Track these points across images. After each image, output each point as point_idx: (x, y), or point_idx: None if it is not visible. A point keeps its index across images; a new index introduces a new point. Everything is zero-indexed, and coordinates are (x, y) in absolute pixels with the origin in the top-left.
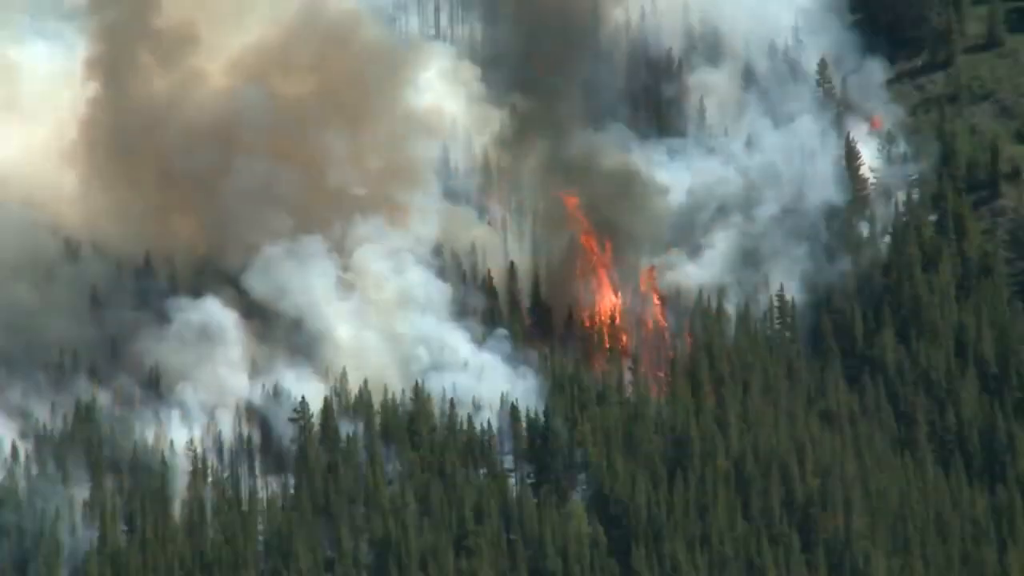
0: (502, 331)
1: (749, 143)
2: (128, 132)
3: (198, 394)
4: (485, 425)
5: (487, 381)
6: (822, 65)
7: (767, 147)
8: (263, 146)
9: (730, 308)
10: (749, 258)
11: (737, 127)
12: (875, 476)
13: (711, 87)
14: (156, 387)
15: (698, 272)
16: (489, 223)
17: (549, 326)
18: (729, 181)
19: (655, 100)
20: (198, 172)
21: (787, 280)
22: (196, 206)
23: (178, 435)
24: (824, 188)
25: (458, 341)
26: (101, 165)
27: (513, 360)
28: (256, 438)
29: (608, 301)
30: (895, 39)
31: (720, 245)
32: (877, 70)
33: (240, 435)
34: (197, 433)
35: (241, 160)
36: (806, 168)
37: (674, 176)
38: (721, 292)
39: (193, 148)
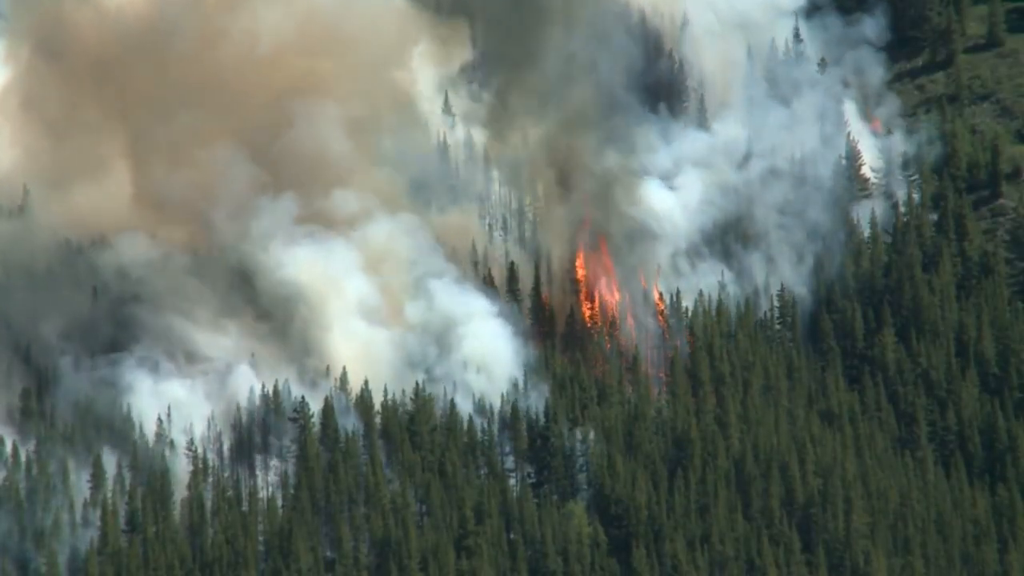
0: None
1: (749, 147)
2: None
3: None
4: (485, 425)
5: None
6: (822, 65)
7: (767, 146)
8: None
9: (730, 307)
10: (749, 251)
11: (736, 125)
12: (875, 476)
13: (710, 86)
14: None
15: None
16: (490, 224)
17: (550, 326)
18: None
19: (654, 83)
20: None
21: (788, 280)
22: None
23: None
24: (825, 187)
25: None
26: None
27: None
28: (256, 437)
29: (609, 301)
30: (895, 39)
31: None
32: (877, 70)
33: (241, 434)
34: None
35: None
36: (807, 167)
37: (669, 158)
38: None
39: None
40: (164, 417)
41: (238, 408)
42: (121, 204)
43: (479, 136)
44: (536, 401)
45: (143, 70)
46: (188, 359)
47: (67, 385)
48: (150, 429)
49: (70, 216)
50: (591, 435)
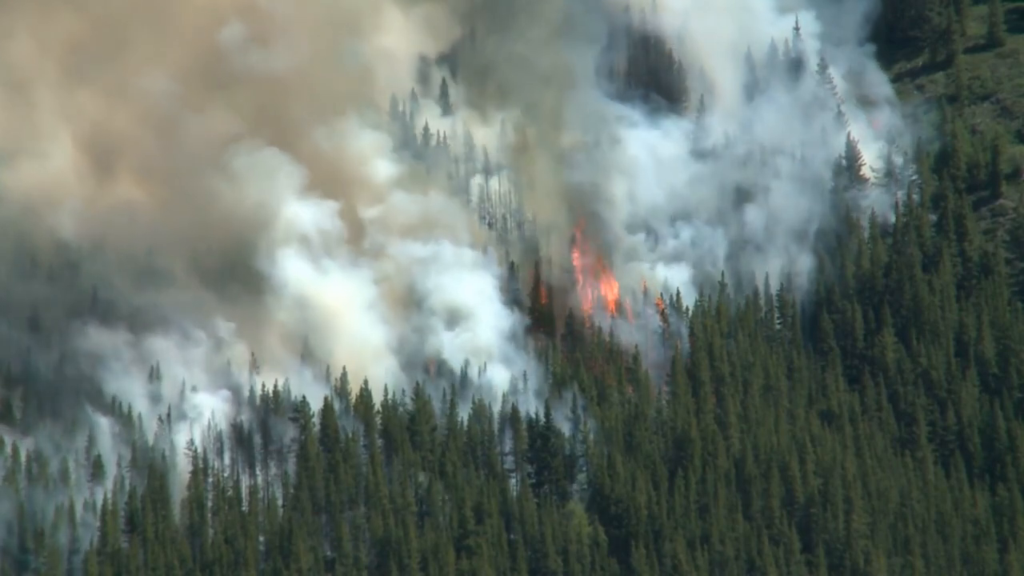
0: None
1: (747, 146)
2: None
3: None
4: (485, 426)
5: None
6: (822, 65)
7: (765, 145)
8: None
9: (730, 307)
10: (746, 252)
11: (735, 123)
12: (875, 476)
13: (708, 84)
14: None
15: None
16: (490, 224)
17: (550, 326)
18: (724, 174)
19: (652, 81)
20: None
21: (787, 280)
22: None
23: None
24: (825, 187)
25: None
26: None
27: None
28: (256, 438)
29: (609, 301)
30: (895, 39)
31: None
32: (877, 70)
33: (240, 434)
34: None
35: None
36: (807, 167)
37: (665, 152)
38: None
39: None
40: (164, 417)
41: (238, 408)
42: (66, 161)
43: (464, 126)
44: (536, 401)
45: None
46: (182, 344)
47: (57, 378)
48: (150, 428)
49: (24, 184)
50: (591, 435)
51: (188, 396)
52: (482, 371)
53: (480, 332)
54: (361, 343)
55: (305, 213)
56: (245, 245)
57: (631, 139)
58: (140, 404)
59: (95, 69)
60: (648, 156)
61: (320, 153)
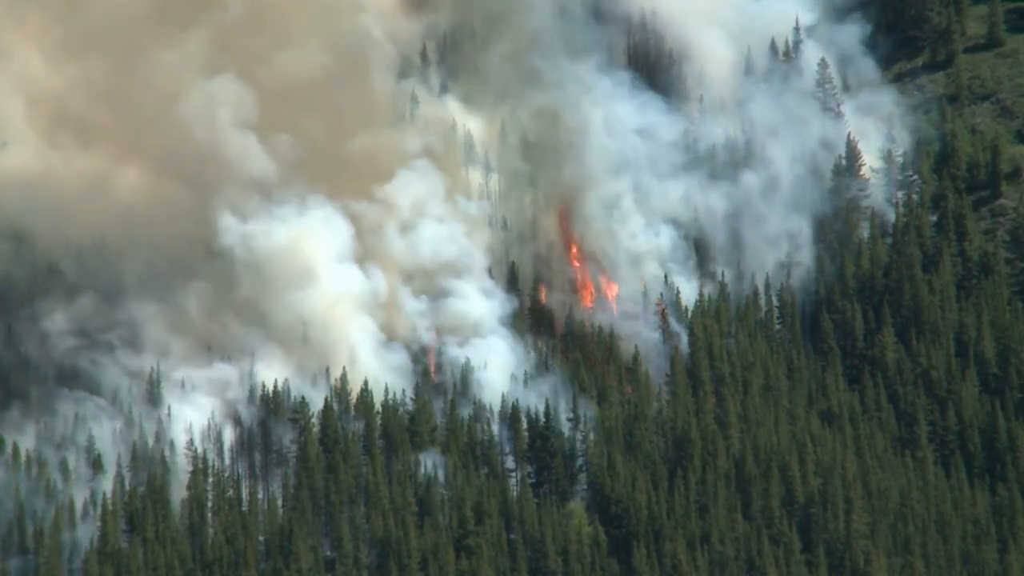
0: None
1: (747, 146)
2: None
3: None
4: (485, 426)
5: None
6: (822, 65)
7: (765, 144)
8: None
9: (730, 307)
10: (745, 246)
11: (735, 123)
12: (875, 476)
13: (708, 84)
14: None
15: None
16: (489, 224)
17: (550, 326)
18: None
19: (650, 79)
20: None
21: (787, 279)
22: None
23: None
24: (825, 187)
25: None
26: None
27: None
28: (257, 437)
29: (609, 300)
30: (895, 39)
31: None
32: (877, 70)
33: (240, 434)
34: (196, 417)
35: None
36: (807, 167)
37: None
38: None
39: None
40: (165, 417)
41: (237, 408)
42: (24, 134)
43: (469, 126)
44: (536, 401)
45: None
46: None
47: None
48: (150, 429)
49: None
50: (591, 435)
51: (187, 389)
52: (481, 369)
53: (472, 307)
54: (337, 300)
55: (261, 158)
56: (210, 195)
57: (624, 115)
58: (137, 400)
59: (50, 28)
60: (639, 124)
61: (277, 83)
